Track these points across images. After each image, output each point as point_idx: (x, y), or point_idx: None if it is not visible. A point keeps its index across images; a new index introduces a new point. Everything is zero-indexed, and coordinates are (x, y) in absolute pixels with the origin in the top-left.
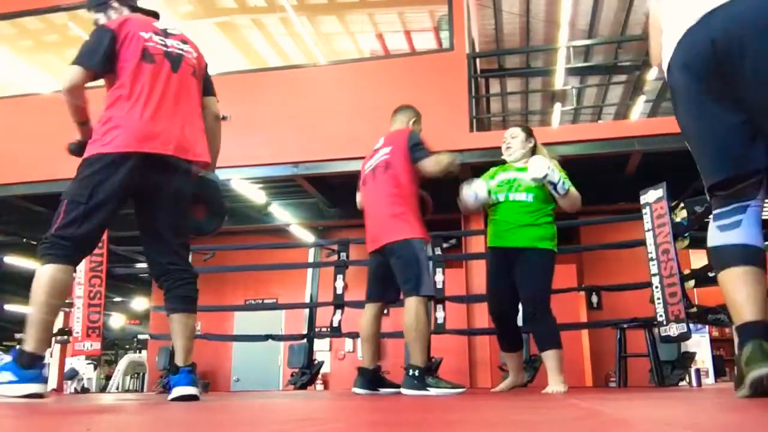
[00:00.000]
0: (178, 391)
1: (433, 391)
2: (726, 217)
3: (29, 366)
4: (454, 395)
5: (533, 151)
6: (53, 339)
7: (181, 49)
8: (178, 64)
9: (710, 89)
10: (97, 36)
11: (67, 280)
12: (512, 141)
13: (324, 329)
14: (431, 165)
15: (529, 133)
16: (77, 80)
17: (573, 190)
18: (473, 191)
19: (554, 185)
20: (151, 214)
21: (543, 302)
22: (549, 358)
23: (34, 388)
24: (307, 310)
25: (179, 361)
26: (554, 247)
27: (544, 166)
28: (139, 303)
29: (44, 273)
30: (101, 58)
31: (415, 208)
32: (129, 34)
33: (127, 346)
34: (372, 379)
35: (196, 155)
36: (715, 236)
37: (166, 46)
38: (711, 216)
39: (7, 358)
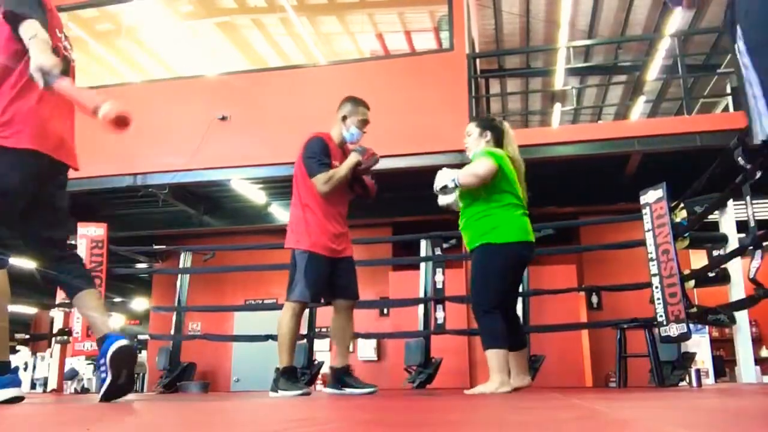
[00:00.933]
0: (119, 343)
1: (276, 394)
2: None
3: (3, 372)
4: (295, 398)
5: (498, 143)
6: (53, 339)
7: (70, 53)
8: (68, 69)
9: None
10: None
11: (6, 281)
12: (468, 140)
13: (324, 329)
14: (318, 185)
15: (485, 127)
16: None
17: (462, 173)
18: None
19: (445, 187)
20: (30, 213)
21: (479, 303)
22: (487, 358)
23: (12, 392)
24: (307, 310)
25: (107, 329)
26: (493, 238)
27: (436, 181)
28: (139, 303)
29: None
30: (43, 13)
31: (307, 217)
32: (51, 20)
33: None
34: (338, 378)
35: (74, 161)
36: None
37: (66, 49)
38: None
39: None
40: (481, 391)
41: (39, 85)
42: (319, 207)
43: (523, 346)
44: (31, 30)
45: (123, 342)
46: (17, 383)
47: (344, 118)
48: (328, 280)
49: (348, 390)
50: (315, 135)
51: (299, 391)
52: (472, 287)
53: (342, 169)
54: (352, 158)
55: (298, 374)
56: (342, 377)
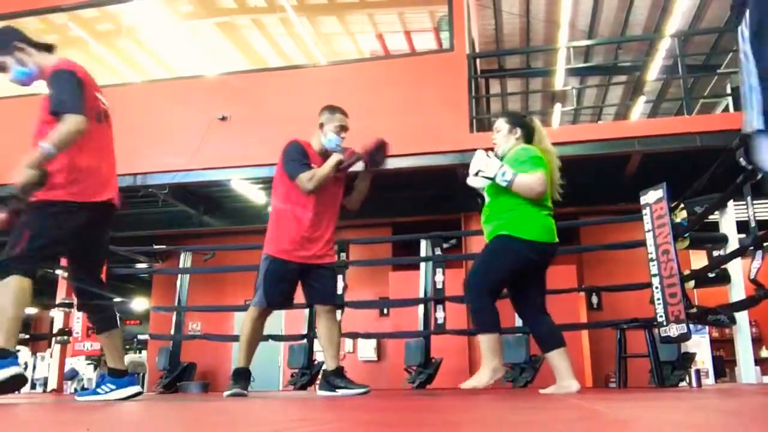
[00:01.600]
0: (135, 389)
1: (225, 393)
2: None
3: (4, 357)
4: (235, 398)
5: (527, 140)
6: (53, 339)
7: (105, 103)
8: (108, 120)
9: None
10: (73, 83)
11: (29, 291)
12: (496, 136)
13: None
14: (302, 184)
15: (515, 123)
16: (84, 128)
17: (521, 180)
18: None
19: (491, 179)
20: (87, 250)
21: (474, 283)
22: (480, 343)
23: (13, 370)
24: (307, 310)
25: (124, 365)
26: (513, 231)
27: (476, 163)
28: (139, 303)
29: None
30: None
31: (278, 223)
32: (89, 88)
33: (127, 346)
34: (329, 380)
35: (118, 199)
36: None
37: (104, 103)
38: None
39: None
40: (474, 385)
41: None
42: (292, 212)
43: (558, 346)
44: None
45: (138, 389)
46: (17, 363)
47: (321, 125)
48: (307, 284)
49: (341, 391)
50: (292, 140)
51: (229, 392)
52: (473, 268)
53: (325, 167)
54: (334, 158)
55: (249, 376)
56: (334, 379)
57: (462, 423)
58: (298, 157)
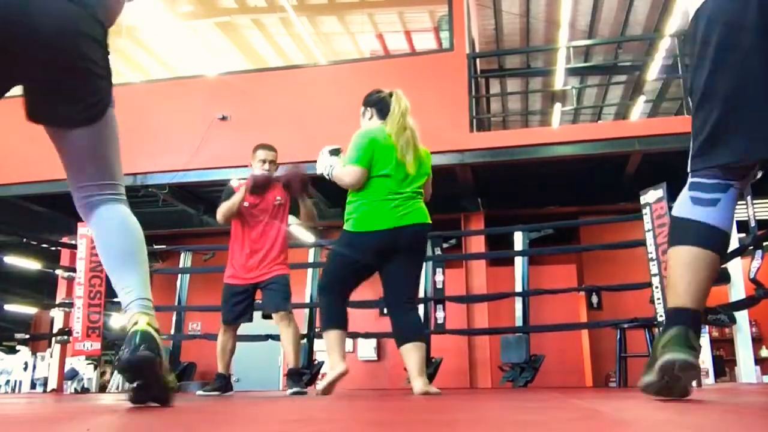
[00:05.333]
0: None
1: (198, 393)
2: (705, 190)
3: None
4: (213, 397)
5: (385, 115)
6: (53, 339)
7: None
8: None
9: None
10: None
11: None
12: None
13: None
14: (217, 219)
15: (366, 104)
16: None
17: (335, 175)
18: None
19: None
20: None
21: (321, 282)
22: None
23: None
24: (307, 310)
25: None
26: (352, 227)
27: (318, 163)
28: None
29: None
30: None
31: (229, 252)
32: None
33: None
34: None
35: None
36: (685, 207)
37: None
38: (688, 181)
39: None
40: (327, 381)
41: None
42: (232, 242)
43: (409, 341)
44: None
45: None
46: None
47: (251, 164)
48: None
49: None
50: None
51: (199, 391)
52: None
53: (231, 198)
54: (238, 194)
55: (226, 380)
56: (288, 378)
57: (462, 423)
58: (223, 198)
